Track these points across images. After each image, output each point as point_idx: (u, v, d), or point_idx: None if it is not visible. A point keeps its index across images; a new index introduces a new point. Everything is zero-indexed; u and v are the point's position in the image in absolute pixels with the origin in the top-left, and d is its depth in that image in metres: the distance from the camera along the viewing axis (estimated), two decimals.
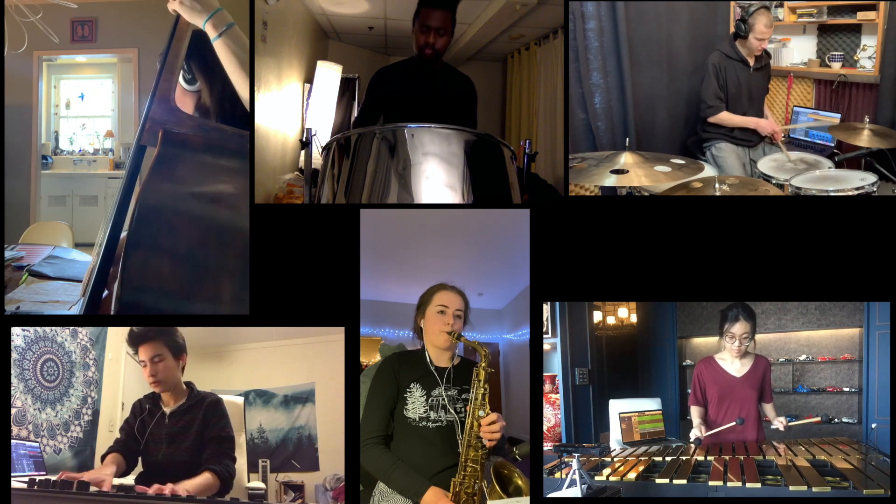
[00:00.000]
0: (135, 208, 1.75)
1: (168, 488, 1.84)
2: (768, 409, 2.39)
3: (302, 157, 2.39)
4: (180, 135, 1.87)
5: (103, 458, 2.03)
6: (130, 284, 1.70)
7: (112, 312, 1.77)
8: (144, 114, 1.89)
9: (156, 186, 1.79)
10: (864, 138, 2.70)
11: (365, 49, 3.65)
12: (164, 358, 2.02)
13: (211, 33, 1.93)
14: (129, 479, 1.96)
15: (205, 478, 1.92)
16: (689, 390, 2.51)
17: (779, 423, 2.35)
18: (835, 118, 2.94)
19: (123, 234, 1.80)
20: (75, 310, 2.37)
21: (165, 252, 1.74)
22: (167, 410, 2.03)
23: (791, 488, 1.87)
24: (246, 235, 1.87)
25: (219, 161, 1.89)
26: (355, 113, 3.34)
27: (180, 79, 2.10)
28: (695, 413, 2.43)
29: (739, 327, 2.34)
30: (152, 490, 1.83)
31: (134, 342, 2.03)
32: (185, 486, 1.87)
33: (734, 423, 2.31)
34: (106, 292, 1.87)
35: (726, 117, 2.89)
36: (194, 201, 1.81)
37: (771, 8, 2.87)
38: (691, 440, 2.37)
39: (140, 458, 2.03)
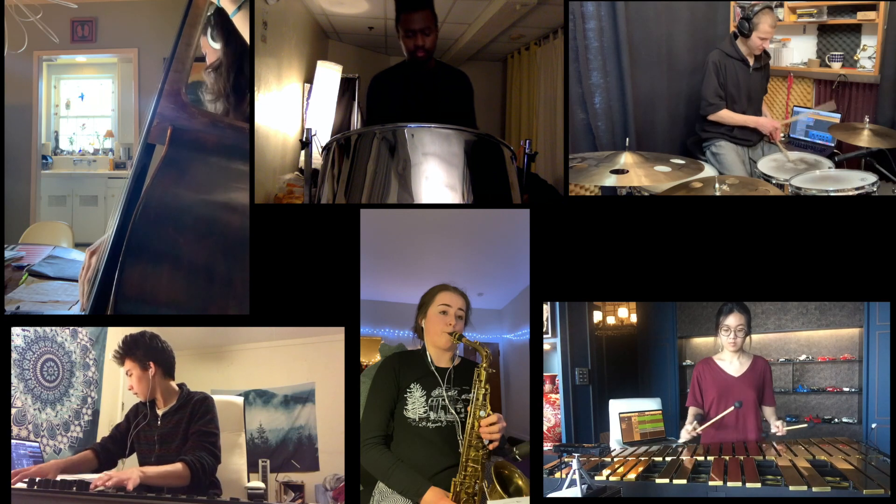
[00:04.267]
0: (135, 213, 1.71)
1: (115, 475, 1.82)
2: (769, 412, 2.38)
3: (302, 157, 2.39)
4: (190, 133, 1.78)
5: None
6: (126, 296, 1.66)
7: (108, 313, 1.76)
8: (152, 110, 1.81)
9: (160, 191, 1.72)
10: (864, 138, 2.70)
11: (365, 49, 3.64)
12: (132, 372, 2.03)
13: (229, 8, 1.98)
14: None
15: (173, 466, 1.91)
16: (689, 390, 2.51)
17: (776, 427, 2.35)
18: (835, 118, 2.94)
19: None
20: (77, 308, 2.37)
21: (165, 264, 1.69)
22: (160, 413, 2.04)
23: (791, 488, 1.87)
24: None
25: (232, 164, 1.82)
26: (355, 113, 3.34)
27: (207, 36, 2.10)
28: (692, 414, 2.43)
29: (734, 319, 2.35)
30: (103, 477, 1.82)
31: (118, 362, 2.05)
32: (149, 471, 1.87)
33: (732, 409, 2.29)
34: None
35: (726, 115, 2.89)
36: (202, 209, 1.75)
37: (773, 8, 2.87)
38: (681, 440, 2.37)
39: (138, 461, 2.02)
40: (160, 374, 2.03)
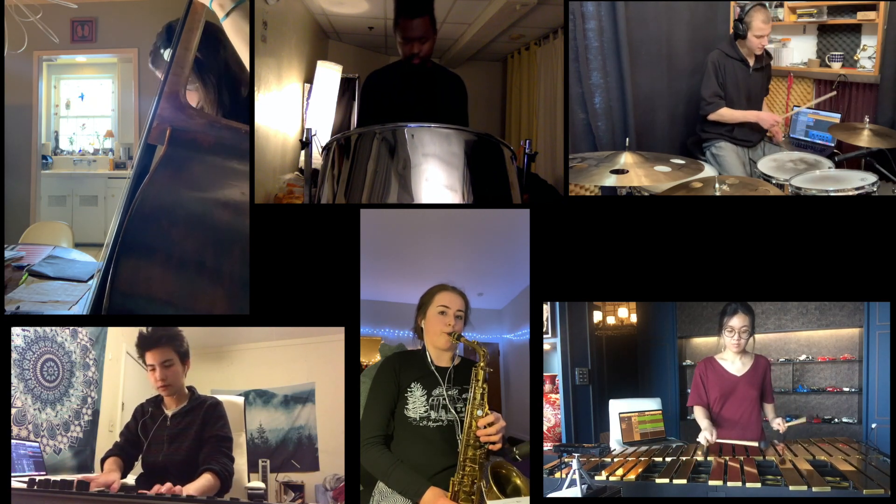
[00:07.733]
0: (131, 209, 1.72)
1: (167, 487, 1.84)
2: (769, 409, 2.39)
3: (302, 157, 2.39)
4: (189, 133, 1.81)
5: (103, 461, 2.03)
6: (121, 289, 1.66)
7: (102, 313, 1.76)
8: (152, 111, 1.85)
9: (158, 188, 1.74)
10: (864, 138, 2.70)
11: (365, 49, 3.64)
12: (173, 363, 2.03)
13: (219, 13, 1.94)
14: (130, 480, 1.97)
15: (206, 479, 1.92)
16: (689, 390, 2.51)
17: (777, 424, 2.35)
18: (835, 118, 2.94)
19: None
20: (78, 308, 2.37)
21: (159, 259, 1.70)
22: (169, 413, 2.04)
23: (791, 488, 1.87)
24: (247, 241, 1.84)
25: (228, 163, 1.84)
26: (355, 113, 3.34)
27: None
28: (699, 414, 2.41)
29: (738, 320, 2.34)
30: (153, 491, 1.84)
31: (143, 347, 2.04)
32: (188, 489, 1.88)
33: (756, 444, 2.27)
34: None
35: (726, 113, 2.89)
36: (199, 205, 1.77)
37: (769, 7, 2.87)
38: (699, 441, 2.33)
39: (140, 460, 2.03)
40: (186, 373, 2.05)
